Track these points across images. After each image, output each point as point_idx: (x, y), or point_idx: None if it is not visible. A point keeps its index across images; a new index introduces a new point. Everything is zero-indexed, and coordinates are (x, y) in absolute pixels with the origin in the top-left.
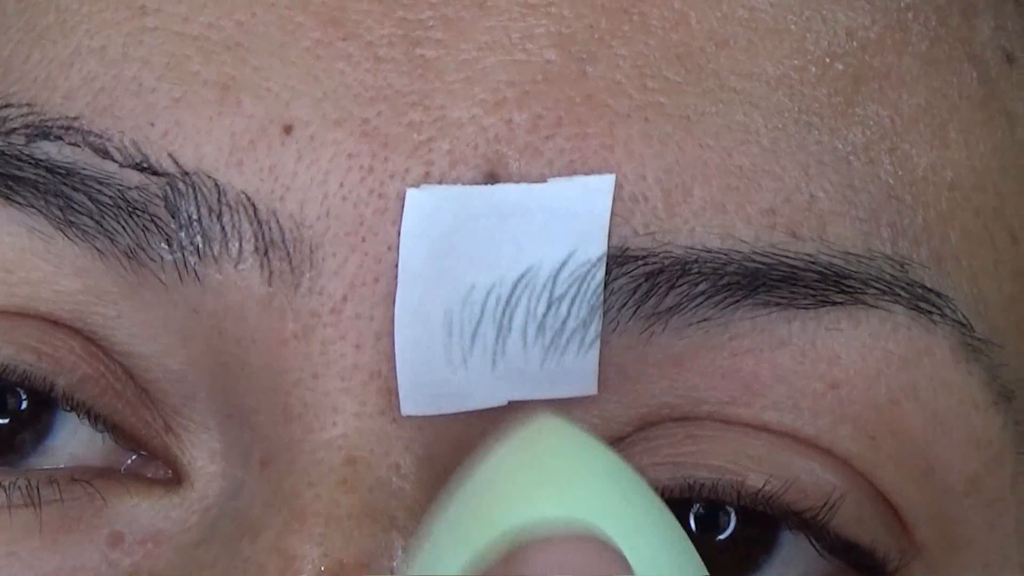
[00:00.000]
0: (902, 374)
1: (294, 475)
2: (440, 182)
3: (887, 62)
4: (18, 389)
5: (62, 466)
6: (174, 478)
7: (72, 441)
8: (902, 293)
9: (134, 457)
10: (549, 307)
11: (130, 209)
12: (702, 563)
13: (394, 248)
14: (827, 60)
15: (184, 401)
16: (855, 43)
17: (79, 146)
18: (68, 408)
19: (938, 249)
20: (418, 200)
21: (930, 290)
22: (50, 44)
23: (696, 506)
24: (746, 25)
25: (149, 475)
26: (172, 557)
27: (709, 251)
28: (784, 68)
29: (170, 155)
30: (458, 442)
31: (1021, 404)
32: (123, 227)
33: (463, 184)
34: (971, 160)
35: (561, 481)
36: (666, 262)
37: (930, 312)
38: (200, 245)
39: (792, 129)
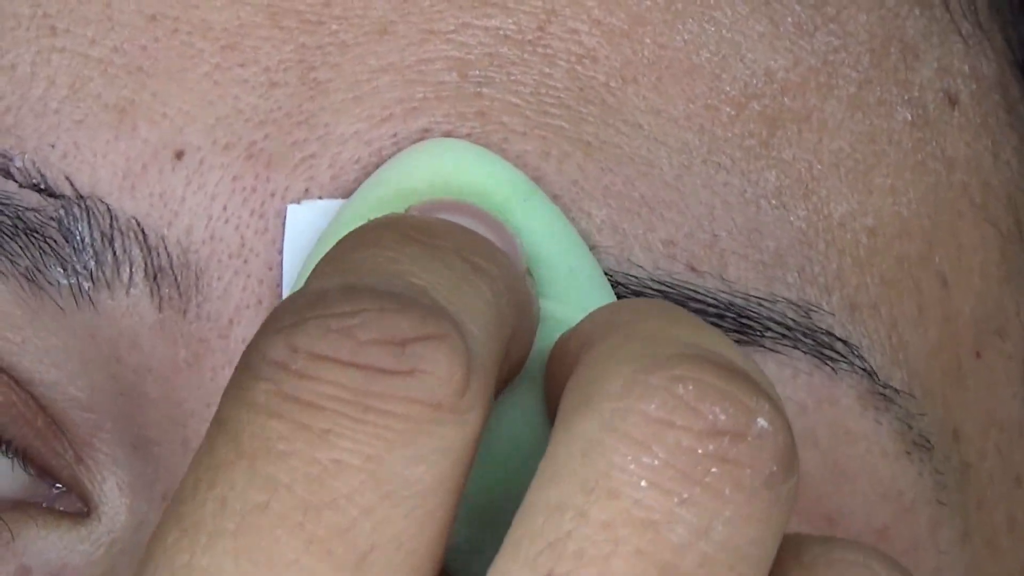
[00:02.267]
0: (799, 421)
1: None
2: (320, 197)
3: (809, 105)
4: None
5: None
6: (85, 511)
7: None
8: (804, 339)
9: (52, 490)
10: None
11: (27, 230)
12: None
13: (276, 267)
14: (742, 100)
15: (93, 431)
16: (775, 85)
17: None
18: None
19: (852, 296)
20: (298, 216)
21: (837, 338)
22: None
23: None
24: (656, 63)
25: (63, 508)
26: None
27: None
28: (695, 107)
29: (67, 178)
30: None
31: (944, 452)
32: (21, 249)
33: (345, 198)
34: (896, 206)
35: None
36: None
37: (834, 360)
38: (93, 270)
39: (699, 168)
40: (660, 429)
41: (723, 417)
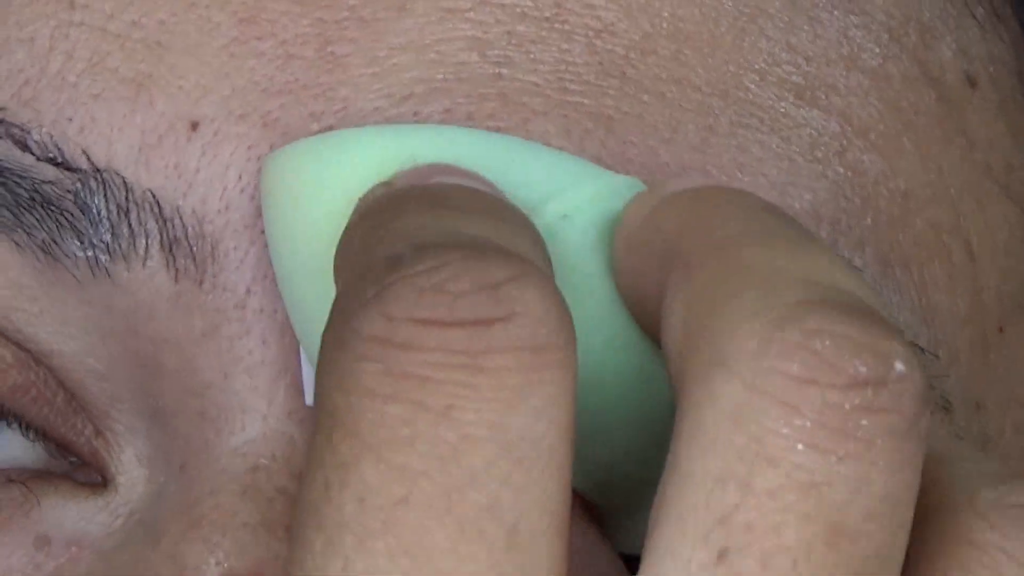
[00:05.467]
0: None
1: (200, 482)
2: None
3: (834, 74)
4: None
5: None
6: (103, 482)
7: (7, 449)
8: None
9: (70, 463)
10: None
11: (44, 203)
12: None
13: None
14: (765, 68)
15: (111, 403)
16: (797, 56)
17: (2, 138)
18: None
19: (884, 253)
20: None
21: None
22: None
23: None
24: (675, 35)
25: (81, 479)
26: (92, 561)
27: None
28: (717, 75)
29: (84, 151)
30: None
31: (965, 419)
32: (38, 221)
33: None
34: (927, 173)
35: None
36: None
37: None
38: (109, 243)
39: (726, 129)
40: (805, 389)
41: (863, 369)
